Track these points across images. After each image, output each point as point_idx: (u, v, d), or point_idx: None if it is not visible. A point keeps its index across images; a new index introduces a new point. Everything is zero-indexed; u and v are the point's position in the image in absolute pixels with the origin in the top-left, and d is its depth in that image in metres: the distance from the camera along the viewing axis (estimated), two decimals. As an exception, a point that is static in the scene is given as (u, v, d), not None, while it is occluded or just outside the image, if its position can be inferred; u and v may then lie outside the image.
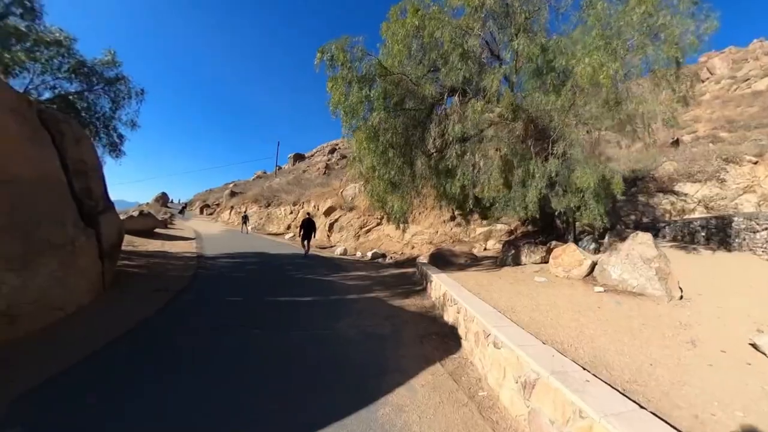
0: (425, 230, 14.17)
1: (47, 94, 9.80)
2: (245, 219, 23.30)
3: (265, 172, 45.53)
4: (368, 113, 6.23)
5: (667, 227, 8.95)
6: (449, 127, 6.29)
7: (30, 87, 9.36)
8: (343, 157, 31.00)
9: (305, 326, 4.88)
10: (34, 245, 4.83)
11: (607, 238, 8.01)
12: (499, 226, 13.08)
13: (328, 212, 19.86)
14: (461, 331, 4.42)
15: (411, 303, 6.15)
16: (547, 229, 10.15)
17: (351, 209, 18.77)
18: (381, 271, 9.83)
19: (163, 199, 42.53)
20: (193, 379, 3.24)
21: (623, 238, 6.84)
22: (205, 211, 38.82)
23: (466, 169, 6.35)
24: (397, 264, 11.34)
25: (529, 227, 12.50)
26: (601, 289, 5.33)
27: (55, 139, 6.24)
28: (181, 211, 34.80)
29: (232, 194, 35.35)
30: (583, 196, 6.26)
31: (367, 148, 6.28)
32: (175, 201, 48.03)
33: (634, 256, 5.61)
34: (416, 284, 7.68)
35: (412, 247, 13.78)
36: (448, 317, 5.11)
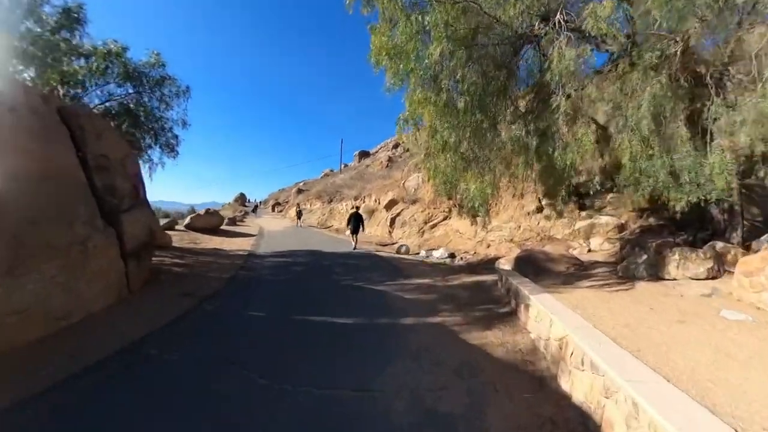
0: (504, 224, 11.48)
1: (104, 101, 10.02)
2: (299, 213, 25.37)
3: (332, 170, 46.09)
4: (423, 51, 4.12)
5: None
6: (553, 60, 3.87)
7: (87, 94, 9.60)
8: (406, 150, 29.27)
9: (328, 378, 3.11)
10: (24, 248, 4.13)
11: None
12: (603, 219, 9.75)
13: (390, 206, 18.23)
14: (616, 437, 2.14)
15: (496, 339, 3.95)
16: (693, 222, 6.95)
17: (414, 202, 16.83)
18: (449, 278, 7.69)
19: (241, 199, 45.98)
20: None
21: None
22: (276, 209, 40.76)
23: (585, 126, 3.86)
24: (470, 268, 9.04)
25: (650, 220, 9.12)
26: None
27: (74, 135, 5.75)
28: (254, 210, 36.91)
29: (299, 192, 36.31)
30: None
31: (424, 99, 4.14)
32: (252, 200, 51.73)
33: None
34: (499, 303, 5.40)
35: (488, 246, 11.24)
36: (571, 386, 2.80)
